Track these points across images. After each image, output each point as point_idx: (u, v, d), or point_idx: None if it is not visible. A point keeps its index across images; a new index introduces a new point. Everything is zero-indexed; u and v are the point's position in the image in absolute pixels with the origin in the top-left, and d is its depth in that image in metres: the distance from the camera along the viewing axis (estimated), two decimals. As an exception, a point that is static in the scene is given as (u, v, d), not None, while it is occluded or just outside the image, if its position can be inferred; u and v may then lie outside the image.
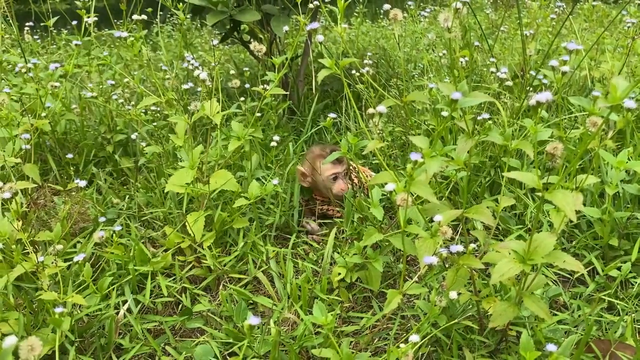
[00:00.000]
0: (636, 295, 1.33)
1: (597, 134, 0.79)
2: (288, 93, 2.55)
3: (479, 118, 1.11)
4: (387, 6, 1.00)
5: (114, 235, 1.17)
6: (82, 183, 1.23)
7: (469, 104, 0.87)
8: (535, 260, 0.93)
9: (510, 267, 0.93)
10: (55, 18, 2.09)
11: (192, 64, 1.49)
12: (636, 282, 1.34)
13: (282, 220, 1.64)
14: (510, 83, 1.48)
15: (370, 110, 0.91)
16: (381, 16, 4.87)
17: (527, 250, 0.95)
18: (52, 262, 1.14)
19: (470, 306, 1.22)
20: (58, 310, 0.92)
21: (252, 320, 0.75)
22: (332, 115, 1.23)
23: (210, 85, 1.49)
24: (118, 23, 2.36)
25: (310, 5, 1.41)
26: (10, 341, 0.63)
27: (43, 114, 1.84)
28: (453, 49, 1.00)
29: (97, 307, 1.27)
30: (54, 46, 3.99)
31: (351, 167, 1.63)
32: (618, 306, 1.30)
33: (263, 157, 1.94)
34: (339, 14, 1.07)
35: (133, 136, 1.96)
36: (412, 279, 1.24)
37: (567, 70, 0.90)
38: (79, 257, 1.24)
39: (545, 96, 0.77)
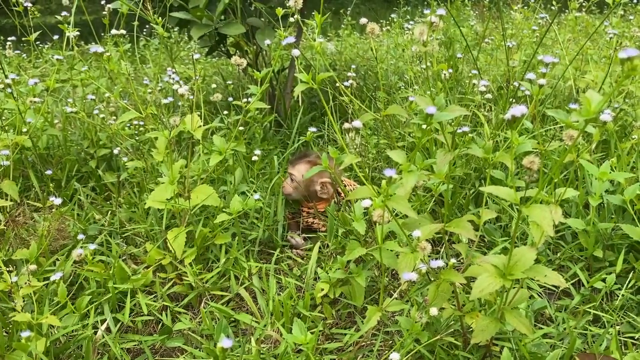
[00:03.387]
0: (621, 307, 1.32)
1: (574, 147, 0.78)
2: (274, 105, 2.55)
3: (459, 131, 1.10)
4: (363, 20, 1.00)
5: (90, 254, 1.15)
6: (58, 201, 1.21)
7: (445, 118, 0.86)
8: (516, 275, 0.92)
9: (490, 282, 0.92)
10: (37, 33, 2.07)
11: (173, 79, 1.48)
12: (621, 294, 1.33)
13: (265, 235, 1.62)
14: (490, 96, 1.48)
15: (346, 125, 0.90)
16: (361, 23, 4.87)
17: (507, 264, 0.94)
18: (26, 282, 1.11)
19: (454, 321, 1.21)
20: (25, 334, 0.89)
21: (225, 342, 0.73)
22: (312, 129, 1.21)
23: (192, 99, 1.48)
24: (104, 37, 2.35)
25: (291, 19, 1.40)
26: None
27: (24, 130, 1.82)
28: (431, 63, 0.99)
29: (75, 327, 1.24)
30: (41, 60, 3.96)
31: (334, 180, 1.61)
32: (603, 318, 1.29)
33: (248, 170, 1.93)
34: (316, 28, 1.06)
35: (115, 151, 1.94)
36: (395, 294, 1.23)
37: (543, 83, 0.90)
38: (56, 276, 1.22)
39: (520, 110, 0.77)
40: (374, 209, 0.87)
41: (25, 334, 0.89)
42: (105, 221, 1.72)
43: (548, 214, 0.79)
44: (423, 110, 0.88)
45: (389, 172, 0.80)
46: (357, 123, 0.88)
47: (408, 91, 2.05)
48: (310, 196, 1.60)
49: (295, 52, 0.96)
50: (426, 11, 1.01)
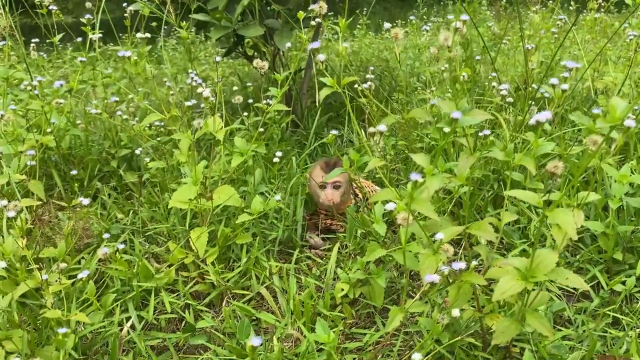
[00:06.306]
0: (641, 310, 1.32)
1: (598, 152, 0.79)
2: (291, 106, 2.57)
3: (480, 134, 1.11)
4: (387, 25, 1.01)
5: (117, 252, 1.18)
6: (86, 201, 1.24)
7: (469, 123, 0.87)
8: (538, 277, 0.93)
9: (512, 284, 0.93)
10: (61, 35, 2.11)
11: (195, 81, 1.51)
12: (641, 297, 1.33)
13: (285, 235, 1.65)
14: (511, 100, 1.48)
15: (371, 129, 0.92)
16: (384, 28, 4.89)
17: (529, 267, 0.95)
18: (56, 280, 1.14)
19: (474, 322, 1.22)
20: (61, 330, 0.92)
21: (255, 341, 0.75)
22: (334, 132, 1.23)
23: (214, 101, 1.50)
24: (123, 37, 2.39)
25: (313, 22, 1.42)
26: (13, 364, 0.63)
27: (48, 130, 1.86)
28: (451, 66, 1.01)
29: (101, 324, 1.27)
30: (60, 60, 4.03)
31: (354, 182, 1.63)
32: (623, 321, 1.29)
33: (266, 171, 1.95)
34: (340, 32, 1.08)
35: (137, 151, 1.98)
36: (415, 295, 1.24)
37: (566, 88, 0.91)
38: (83, 274, 1.24)
39: (544, 115, 0.78)
40: (398, 212, 0.89)
41: (62, 330, 0.92)
42: (127, 220, 1.75)
43: (571, 217, 0.80)
44: (447, 115, 0.89)
45: (415, 176, 0.82)
46: (382, 127, 0.90)
47: (426, 93, 2.06)
48: (312, 196, 1.63)
49: (321, 57, 0.97)
50: (449, 17, 1.02)
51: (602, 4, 2.84)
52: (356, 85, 1.95)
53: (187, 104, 1.36)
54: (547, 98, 1.83)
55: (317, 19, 1.43)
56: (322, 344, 1.21)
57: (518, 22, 1.95)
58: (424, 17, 4.61)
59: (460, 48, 0.94)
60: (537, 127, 0.79)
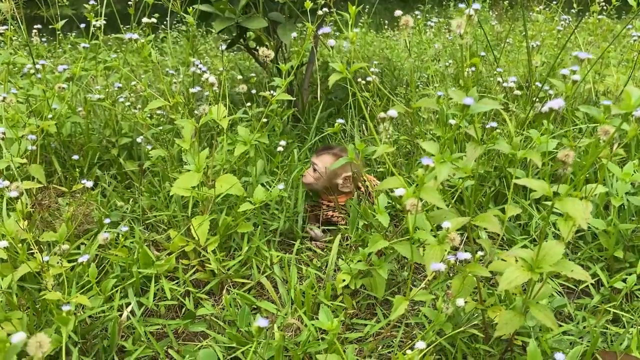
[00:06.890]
0: (641, 308, 1.32)
1: (609, 142, 0.79)
2: (293, 100, 2.56)
3: (486, 127, 1.11)
4: (398, 12, 1.01)
5: (119, 236, 1.17)
6: (89, 184, 1.23)
7: (480, 110, 0.87)
8: (544, 268, 0.93)
9: (517, 275, 0.93)
10: (64, 21, 2.10)
11: (200, 68, 1.50)
12: (641, 295, 1.33)
13: (286, 226, 1.64)
14: (518, 92, 1.48)
15: (381, 115, 0.91)
16: (385, 27, 4.90)
17: (535, 258, 0.95)
18: (58, 263, 1.13)
19: (475, 315, 1.22)
20: (65, 308, 0.91)
21: (261, 322, 0.75)
22: (340, 120, 1.23)
23: (218, 90, 1.50)
24: (125, 28, 2.38)
25: (320, 12, 1.42)
26: (19, 337, 0.63)
27: (49, 116, 1.84)
28: (464, 57, 1.00)
29: (101, 309, 1.26)
30: (60, 50, 4.00)
31: (356, 174, 1.62)
32: (623, 318, 1.29)
33: (268, 163, 1.95)
34: (350, 19, 1.08)
35: (139, 139, 1.96)
36: (416, 287, 1.24)
37: (577, 78, 0.91)
38: (83, 258, 1.23)
39: (557, 103, 0.78)
40: (407, 199, 0.88)
41: (65, 307, 0.90)
42: (127, 208, 1.74)
43: (581, 206, 0.80)
44: (457, 103, 0.89)
45: (426, 161, 0.82)
46: (392, 112, 0.89)
47: (428, 89, 2.06)
48: (331, 189, 1.62)
49: (331, 42, 0.97)
50: (461, 5, 1.02)
51: (605, 7, 2.85)
52: (360, 79, 1.95)
53: (192, 90, 1.35)
54: (550, 96, 1.83)
55: (324, 9, 1.43)
56: (323, 332, 1.21)
57: (520, 23, 1.95)
58: (427, 15, 4.62)
59: (471, 37, 0.93)
60: (549, 115, 0.79)
